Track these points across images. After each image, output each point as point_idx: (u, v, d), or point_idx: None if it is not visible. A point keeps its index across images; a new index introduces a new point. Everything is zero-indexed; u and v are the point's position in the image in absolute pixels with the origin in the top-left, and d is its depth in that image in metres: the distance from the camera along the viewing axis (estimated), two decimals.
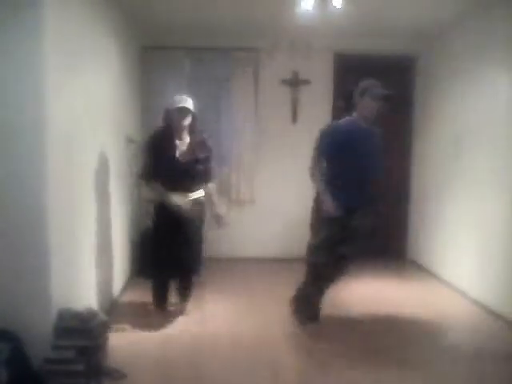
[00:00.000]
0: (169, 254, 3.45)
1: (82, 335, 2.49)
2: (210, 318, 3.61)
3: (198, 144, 3.45)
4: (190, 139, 3.44)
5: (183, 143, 3.41)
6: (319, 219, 3.32)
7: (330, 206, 3.20)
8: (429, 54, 5.07)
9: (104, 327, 2.73)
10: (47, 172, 2.43)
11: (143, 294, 4.05)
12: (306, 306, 3.50)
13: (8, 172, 2.41)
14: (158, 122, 3.55)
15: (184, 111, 3.35)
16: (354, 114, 3.41)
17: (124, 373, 2.64)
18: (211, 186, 3.59)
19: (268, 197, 5.28)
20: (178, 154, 3.37)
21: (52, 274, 2.47)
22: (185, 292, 3.67)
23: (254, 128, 5.14)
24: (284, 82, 5.22)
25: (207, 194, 3.57)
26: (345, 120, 3.43)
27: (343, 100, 5.50)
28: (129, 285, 4.31)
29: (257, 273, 4.83)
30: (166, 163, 3.35)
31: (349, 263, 3.42)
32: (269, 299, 4.03)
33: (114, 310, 3.62)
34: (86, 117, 3.08)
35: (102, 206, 3.51)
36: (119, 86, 4.06)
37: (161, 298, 3.60)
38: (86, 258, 3.15)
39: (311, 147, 5.27)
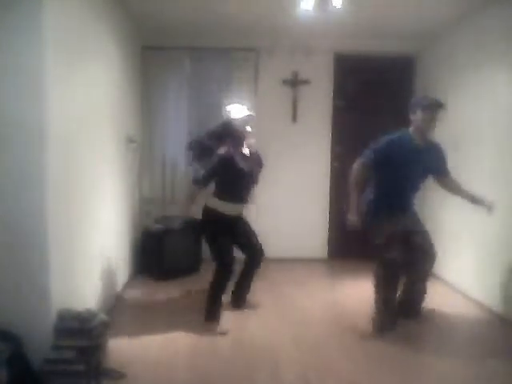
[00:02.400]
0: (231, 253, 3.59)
1: (82, 335, 2.49)
2: None
3: (254, 155, 3.63)
4: (249, 150, 3.59)
5: (245, 154, 3.55)
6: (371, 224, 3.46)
7: (353, 219, 3.39)
8: (429, 54, 5.07)
9: (104, 327, 2.73)
10: (47, 172, 2.43)
11: (143, 294, 4.07)
12: (386, 311, 3.41)
13: (7, 172, 2.41)
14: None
15: (248, 122, 3.55)
16: (411, 129, 3.44)
17: (124, 373, 2.65)
18: None
19: (268, 197, 5.27)
20: (243, 165, 3.47)
21: (52, 275, 2.47)
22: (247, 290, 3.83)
23: (253, 128, 5.13)
24: (284, 82, 5.22)
25: None
26: (398, 134, 3.47)
27: (343, 100, 5.55)
28: (129, 285, 4.31)
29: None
30: (234, 175, 3.47)
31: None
32: (270, 299, 4.02)
33: (114, 310, 3.62)
34: (85, 117, 3.08)
35: (102, 206, 3.51)
36: (119, 86, 4.06)
37: (243, 296, 3.81)
38: (86, 258, 3.15)
39: (311, 147, 5.32)
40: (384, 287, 3.40)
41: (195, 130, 4.87)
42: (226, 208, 3.52)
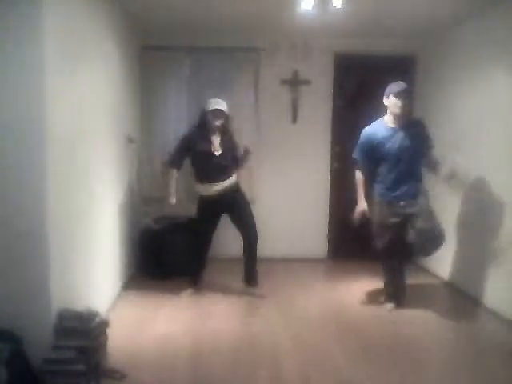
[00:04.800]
0: (209, 239, 4.10)
1: (82, 335, 2.50)
2: (210, 317, 3.61)
3: (227, 140, 4.00)
4: (222, 137, 3.96)
5: (216, 140, 3.93)
6: (376, 223, 3.74)
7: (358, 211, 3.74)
8: (429, 54, 5.07)
9: (104, 327, 2.74)
10: (47, 173, 2.43)
11: (143, 293, 4.07)
12: (387, 291, 3.90)
13: (8, 173, 2.41)
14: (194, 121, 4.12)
15: (218, 113, 3.86)
16: (385, 117, 3.69)
17: (124, 373, 2.65)
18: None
19: (268, 197, 5.28)
20: (212, 149, 3.89)
21: (52, 274, 2.47)
22: (255, 269, 4.14)
23: (254, 128, 5.14)
24: (284, 82, 5.22)
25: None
26: (373, 122, 3.75)
27: (343, 100, 5.54)
28: (129, 284, 4.31)
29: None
30: (202, 157, 3.91)
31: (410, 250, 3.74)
32: (270, 299, 4.02)
33: (113, 310, 3.62)
34: (86, 116, 3.09)
35: (101, 206, 3.51)
36: (119, 86, 4.06)
37: (252, 275, 4.14)
38: (86, 258, 3.15)
39: (311, 147, 5.32)
40: (384, 271, 3.89)
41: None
42: (202, 189, 3.98)
